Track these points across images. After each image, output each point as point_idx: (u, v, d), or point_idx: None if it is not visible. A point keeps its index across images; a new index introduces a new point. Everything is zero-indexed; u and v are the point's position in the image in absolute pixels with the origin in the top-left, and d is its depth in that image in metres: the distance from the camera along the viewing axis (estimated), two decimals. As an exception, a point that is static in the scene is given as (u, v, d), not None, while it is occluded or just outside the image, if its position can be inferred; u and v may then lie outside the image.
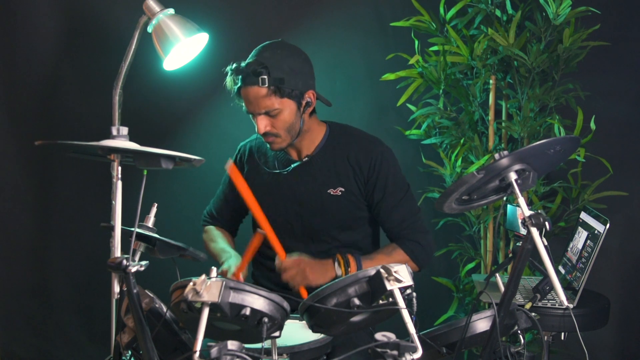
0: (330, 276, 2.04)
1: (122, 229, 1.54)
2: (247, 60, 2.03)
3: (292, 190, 2.17)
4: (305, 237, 2.18)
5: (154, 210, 1.71)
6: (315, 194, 2.15)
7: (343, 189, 2.13)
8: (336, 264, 2.07)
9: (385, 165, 2.13)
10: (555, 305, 2.10)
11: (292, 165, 2.16)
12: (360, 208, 2.17)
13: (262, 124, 2.05)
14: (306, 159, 2.16)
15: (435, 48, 2.77)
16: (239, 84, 2.04)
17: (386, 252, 2.14)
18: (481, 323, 1.62)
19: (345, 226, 2.18)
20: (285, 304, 1.48)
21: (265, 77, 1.99)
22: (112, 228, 1.58)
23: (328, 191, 2.14)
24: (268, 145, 2.13)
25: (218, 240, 2.29)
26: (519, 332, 1.65)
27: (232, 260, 2.11)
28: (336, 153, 2.15)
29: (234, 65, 2.05)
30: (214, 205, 2.39)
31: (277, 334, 1.52)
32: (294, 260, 2.04)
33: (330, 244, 2.17)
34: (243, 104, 2.08)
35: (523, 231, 2.09)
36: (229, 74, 2.06)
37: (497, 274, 1.67)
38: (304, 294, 2.00)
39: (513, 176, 1.53)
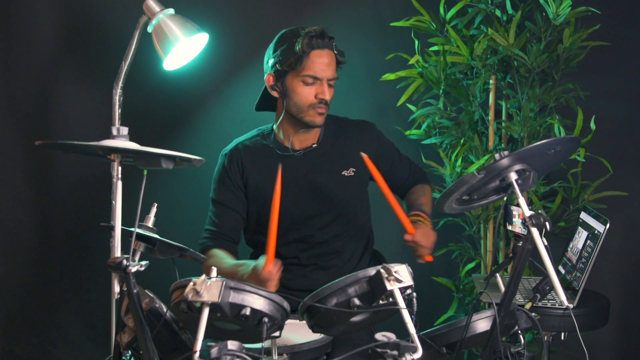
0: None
1: (122, 229, 1.54)
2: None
3: (307, 177, 2.20)
4: (319, 222, 2.20)
5: (154, 210, 1.71)
6: (332, 177, 2.21)
7: (355, 169, 2.23)
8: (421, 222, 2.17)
9: (383, 138, 2.34)
10: (555, 305, 2.10)
11: (306, 149, 2.21)
12: (365, 187, 2.28)
13: (329, 91, 2.13)
14: (315, 145, 2.21)
15: (435, 48, 2.77)
16: (316, 47, 2.08)
17: (421, 193, 2.36)
18: (481, 323, 1.62)
19: (357, 207, 2.26)
20: (285, 304, 1.48)
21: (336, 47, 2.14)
22: (112, 228, 1.58)
23: (342, 173, 2.22)
24: (310, 121, 2.14)
25: (227, 259, 2.16)
26: (519, 332, 1.65)
27: (257, 262, 1.96)
28: (339, 138, 2.25)
29: (312, 28, 2.10)
30: (210, 220, 2.25)
31: (277, 334, 1.52)
32: (425, 232, 2.10)
33: (343, 227, 2.22)
34: (304, 72, 2.09)
35: (523, 231, 2.09)
36: (304, 34, 2.08)
37: (497, 274, 1.67)
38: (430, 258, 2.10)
39: (513, 176, 1.53)
